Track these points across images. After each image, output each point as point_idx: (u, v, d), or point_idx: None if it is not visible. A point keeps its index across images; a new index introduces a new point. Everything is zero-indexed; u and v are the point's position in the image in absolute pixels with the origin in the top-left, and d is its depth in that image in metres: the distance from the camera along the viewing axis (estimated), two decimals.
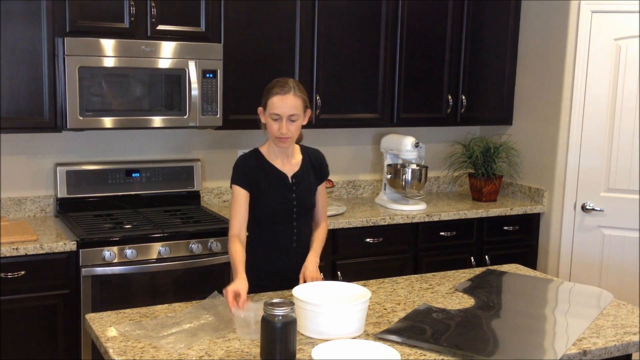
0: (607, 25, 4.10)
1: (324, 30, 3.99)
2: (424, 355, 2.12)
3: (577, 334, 2.32)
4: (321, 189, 2.84)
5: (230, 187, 2.72)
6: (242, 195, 2.66)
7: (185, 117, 3.63)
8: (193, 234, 3.51)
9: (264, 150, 2.74)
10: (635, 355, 2.42)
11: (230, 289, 2.32)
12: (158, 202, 3.95)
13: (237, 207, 2.66)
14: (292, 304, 2.00)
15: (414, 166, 4.27)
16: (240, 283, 2.38)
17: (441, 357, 2.10)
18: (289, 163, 2.75)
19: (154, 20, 3.56)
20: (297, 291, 2.29)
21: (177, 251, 3.47)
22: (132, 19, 3.51)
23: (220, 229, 3.57)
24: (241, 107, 3.84)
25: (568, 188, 4.28)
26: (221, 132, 4.10)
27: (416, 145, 4.15)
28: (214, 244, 3.53)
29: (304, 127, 4.09)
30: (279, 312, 1.96)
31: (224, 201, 4.21)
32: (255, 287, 2.58)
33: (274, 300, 2.01)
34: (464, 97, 4.44)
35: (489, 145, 4.54)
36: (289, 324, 1.97)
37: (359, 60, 4.12)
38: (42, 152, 3.78)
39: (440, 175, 4.85)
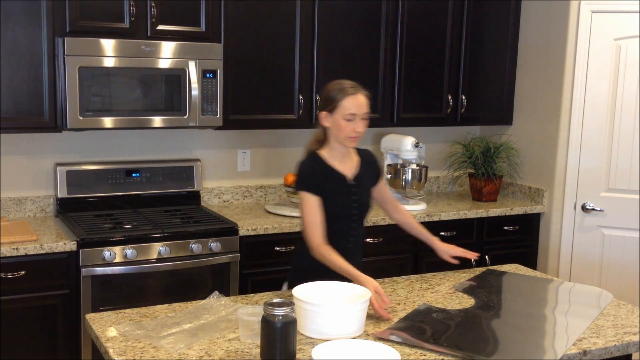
0: (607, 25, 4.10)
1: (324, 30, 3.99)
2: (424, 355, 2.12)
3: (577, 334, 2.32)
4: (382, 184, 2.92)
5: (296, 192, 2.70)
6: (315, 202, 2.65)
7: (185, 117, 3.63)
8: (193, 234, 3.51)
9: (323, 154, 2.74)
10: (635, 355, 2.42)
11: (374, 297, 2.35)
12: (158, 202, 3.95)
13: (315, 215, 2.64)
14: (292, 304, 2.00)
15: (414, 166, 4.27)
16: (371, 282, 2.42)
17: (441, 357, 2.10)
18: (349, 165, 2.77)
19: (154, 20, 3.56)
20: (297, 291, 2.29)
21: (177, 251, 3.47)
22: (132, 19, 3.51)
23: (220, 229, 3.57)
24: (241, 107, 3.84)
25: (568, 188, 4.28)
26: (221, 132, 4.10)
27: (416, 145, 4.15)
28: (214, 244, 3.53)
29: (303, 127, 4.12)
30: (279, 312, 1.96)
31: (224, 201, 4.21)
32: None
33: (274, 300, 2.00)
34: (464, 97, 4.44)
35: (489, 145, 4.54)
36: (289, 324, 1.97)
37: (359, 60, 4.12)
38: (42, 152, 3.78)
39: (440, 175, 4.85)
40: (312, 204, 2.64)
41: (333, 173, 2.72)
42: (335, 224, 2.71)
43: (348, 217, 2.75)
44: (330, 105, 2.66)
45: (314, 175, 2.68)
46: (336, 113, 2.65)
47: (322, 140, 2.75)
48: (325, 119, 2.69)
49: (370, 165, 2.85)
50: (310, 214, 2.64)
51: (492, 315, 2.50)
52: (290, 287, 2.75)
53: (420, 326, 2.34)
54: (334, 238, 2.71)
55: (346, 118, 2.63)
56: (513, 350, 2.18)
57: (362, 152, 2.86)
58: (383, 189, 2.93)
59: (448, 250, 2.95)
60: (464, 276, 2.94)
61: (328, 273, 2.70)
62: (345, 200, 2.73)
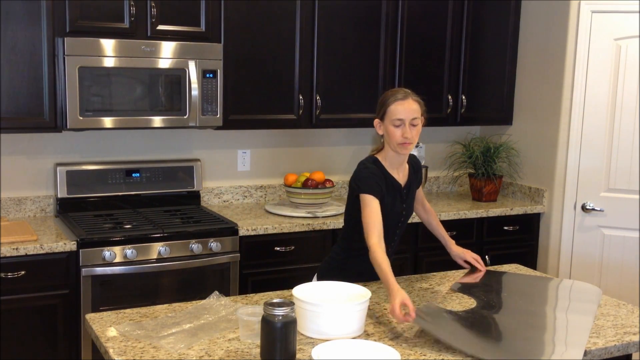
0: (607, 25, 4.10)
1: (324, 30, 3.99)
2: (424, 355, 2.12)
3: (587, 329, 2.34)
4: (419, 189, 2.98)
5: (357, 194, 2.66)
6: (377, 205, 2.62)
7: (185, 117, 3.63)
8: (193, 234, 3.51)
9: (382, 160, 2.75)
10: (635, 355, 2.42)
11: (396, 305, 2.28)
12: (158, 202, 3.95)
13: (377, 216, 2.60)
14: (292, 304, 2.00)
15: None
16: (401, 294, 2.32)
17: (441, 357, 2.10)
18: (402, 173, 2.79)
19: (154, 20, 3.56)
20: (297, 291, 2.29)
21: (177, 251, 3.47)
22: (132, 19, 3.51)
23: (220, 229, 3.57)
24: (241, 107, 3.85)
25: (568, 188, 4.28)
26: (221, 132, 4.10)
27: (416, 145, 4.15)
28: (214, 244, 3.53)
29: (303, 127, 4.12)
30: (279, 312, 1.96)
31: (224, 201, 4.21)
32: None
33: (274, 300, 2.00)
34: (464, 97, 4.44)
35: (489, 145, 4.54)
36: (289, 324, 1.97)
37: (359, 60, 4.12)
38: (42, 152, 3.78)
39: (440, 175, 4.85)
40: (375, 206, 2.61)
41: (391, 180, 2.73)
42: (384, 231, 2.68)
43: (395, 224, 2.79)
44: (381, 111, 2.69)
45: (376, 179, 2.67)
46: (386, 119, 2.66)
47: (380, 148, 2.77)
48: (378, 126, 2.71)
49: (416, 171, 2.89)
50: (372, 216, 2.60)
51: (498, 315, 2.50)
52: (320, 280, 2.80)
53: (440, 326, 2.35)
54: None
55: (394, 124, 2.63)
56: (536, 350, 2.17)
57: (409, 158, 2.86)
58: (419, 190, 2.99)
59: (461, 255, 2.97)
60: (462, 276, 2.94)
61: (358, 273, 2.76)
62: (397, 207, 2.76)
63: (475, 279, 2.89)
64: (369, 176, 2.66)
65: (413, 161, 2.88)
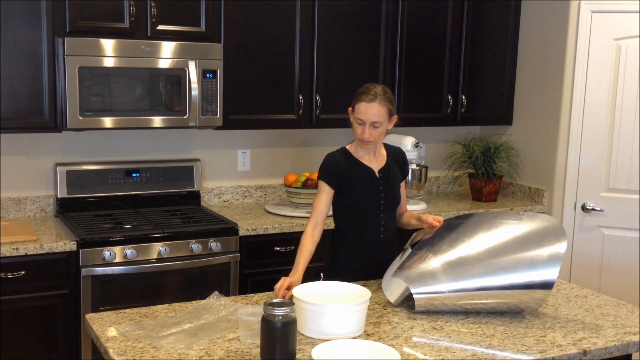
0: (607, 25, 4.10)
1: (324, 30, 3.99)
2: (424, 355, 2.12)
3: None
4: (403, 184, 3.00)
5: (317, 181, 2.86)
6: (326, 191, 2.79)
7: (185, 117, 3.63)
8: (193, 234, 3.51)
9: (351, 149, 2.87)
10: (635, 355, 2.42)
11: (287, 280, 2.52)
12: (158, 202, 3.95)
13: (320, 201, 2.79)
14: (292, 304, 2.00)
15: (414, 166, 4.26)
16: (296, 278, 2.57)
17: (441, 356, 2.10)
18: (375, 160, 2.88)
19: (154, 20, 3.56)
20: (297, 291, 2.29)
21: (177, 251, 3.47)
22: (132, 19, 3.51)
23: (220, 229, 3.57)
24: (241, 107, 3.85)
25: (568, 188, 4.28)
26: (221, 132, 4.10)
27: (416, 145, 4.15)
28: (214, 244, 3.53)
29: (303, 127, 4.12)
30: (279, 312, 1.96)
31: (224, 201, 4.21)
32: (343, 279, 2.54)
33: (274, 300, 2.01)
34: (464, 97, 4.44)
35: (489, 145, 4.55)
36: (289, 324, 1.97)
37: (359, 60, 4.12)
38: (42, 152, 3.78)
39: (440, 175, 4.85)
40: (323, 192, 2.79)
41: (359, 166, 2.83)
42: (365, 215, 2.82)
43: (376, 209, 2.84)
44: (352, 104, 2.78)
45: (335, 167, 2.80)
46: (354, 113, 2.76)
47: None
48: (350, 115, 2.81)
49: (398, 161, 2.96)
50: (317, 202, 2.79)
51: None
52: (326, 279, 2.84)
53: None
54: (366, 229, 2.83)
55: (357, 122, 2.74)
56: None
57: (391, 148, 2.97)
58: (402, 188, 3.01)
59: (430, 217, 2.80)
60: None
61: (363, 266, 2.83)
62: (372, 191, 2.83)
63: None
64: (326, 163, 2.82)
65: (396, 152, 2.98)
